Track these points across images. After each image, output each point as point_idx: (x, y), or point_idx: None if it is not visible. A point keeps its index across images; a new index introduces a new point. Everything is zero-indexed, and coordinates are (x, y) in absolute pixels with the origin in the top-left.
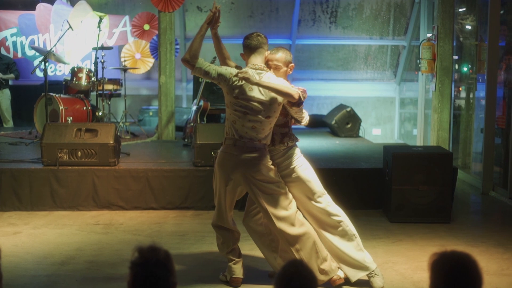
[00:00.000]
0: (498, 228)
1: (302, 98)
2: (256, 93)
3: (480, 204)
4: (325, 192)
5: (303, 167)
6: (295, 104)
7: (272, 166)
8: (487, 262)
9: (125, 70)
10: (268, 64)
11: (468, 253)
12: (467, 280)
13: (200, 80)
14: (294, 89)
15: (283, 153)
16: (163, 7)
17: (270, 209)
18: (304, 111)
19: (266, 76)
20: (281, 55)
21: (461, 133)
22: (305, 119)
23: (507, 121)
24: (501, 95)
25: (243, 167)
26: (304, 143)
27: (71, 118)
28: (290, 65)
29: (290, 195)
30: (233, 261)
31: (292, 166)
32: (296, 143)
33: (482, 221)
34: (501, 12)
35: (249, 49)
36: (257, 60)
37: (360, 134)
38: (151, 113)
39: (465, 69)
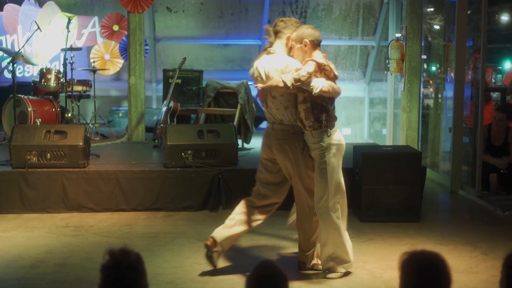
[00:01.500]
0: (466, 227)
1: (298, 78)
2: None
3: (448, 203)
4: None
5: None
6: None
7: None
8: (456, 260)
9: (94, 71)
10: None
11: (437, 252)
12: (436, 279)
13: (170, 81)
14: (286, 75)
15: None
16: (132, 7)
17: None
18: (314, 82)
19: (262, 58)
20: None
21: (429, 133)
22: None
23: (475, 120)
24: (469, 95)
25: None
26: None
27: (40, 119)
28: (304, 41)
29: None
30: None
31: None
32: None
33: (451, 220)
34: (469, 12)
35: (274, 34)
36: (277, 44)
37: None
38: (120, 114)
39: (433, 68)
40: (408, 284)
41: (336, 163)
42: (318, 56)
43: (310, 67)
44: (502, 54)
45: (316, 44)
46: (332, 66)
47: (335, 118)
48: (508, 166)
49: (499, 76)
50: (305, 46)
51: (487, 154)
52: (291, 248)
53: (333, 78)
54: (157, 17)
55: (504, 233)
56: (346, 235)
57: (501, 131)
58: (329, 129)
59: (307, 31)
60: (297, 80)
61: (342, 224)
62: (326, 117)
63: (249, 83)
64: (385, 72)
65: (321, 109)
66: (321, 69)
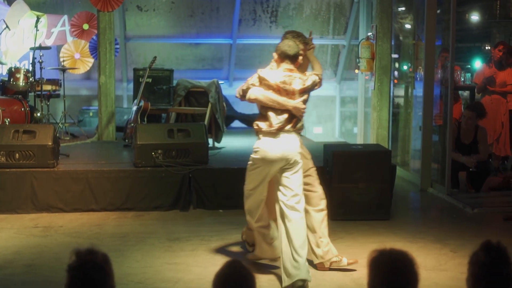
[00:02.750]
0: (436, 224)
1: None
2: None
3: (418, 201)
4: None
5: None
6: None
7: None
8: (425, 257)
9: (64, 70)
10: None
11: (405, 251)
12: (403, 277)
13: (140, 80)
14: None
15: None
16: (102, 6)
17: None
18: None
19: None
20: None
21: (400, 131)
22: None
23: (444, 118)
24: (438, 93)
25: None
26: (245, 142)
27: (8, 119)
28: (273, 54)
29: None
30: None
31: None
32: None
33: (421, 217)
34: (438, 11)
35: None
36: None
37: (302, 133)
38: (91, 114)
39: (404, 67)
40: (376, 282)
41: (249, 168)
42: (272, 68)
43: (252, 78)
44: (472, 53)
45: (282, 57)
46: (282, 79)
47: (269, 126)
48: (477, 164)
49: (468, 74)
50: (275, 58)
51: (457, 152)
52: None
53: (276, 89)
54: (128, 15)
55: (473, 230)
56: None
57: (471, 130)
58: (259, 135)
59: (278, 45)
60: (238, 91)
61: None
62: (257, 124)
63: (220, 82)
64: (356, 71)
65: (258, 116)
66: (260, 80)
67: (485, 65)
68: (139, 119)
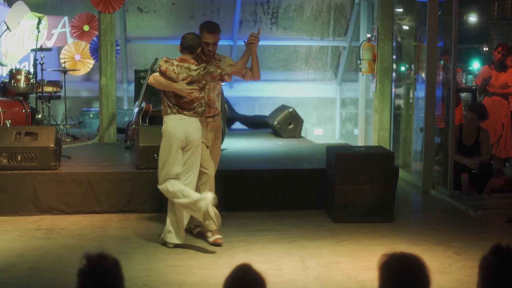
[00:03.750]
0: (439, 226)
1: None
2: None
3: (421, 203)
4: None
5: None
6: None
7: None
8: (429, 260)
9: (64, 71)
10: None
11: (416, 255)
12: (415, 282)
13: (141, 81)
14: None
15: None
16: (103, 7)
17: None
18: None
19: None
20: None
21: (401, 133)
22: None
23: (446, 120)
24: (440, 95)
25: None
26: (247, 144)
27: (9, 121)
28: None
29: None
30: None
31: None
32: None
33: (424, 220)
34: (439, 13)
35: None
36: None
37: (302, 134)
38: (91, 115)
39: (404, 69)
40: (387, 286)
41: (163, 147)
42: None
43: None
44: (470, 54)
45: (181, 48)
46: (171, 67)
47: (173, 108)
48: (480, 166)
49: (470, 76)
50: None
51: (459, 154)
52: (268, 254)
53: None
54: (128, 17)
55: (476, 232)
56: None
57: (472, 131)
58: (165, 117)
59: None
60: None
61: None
62: (162, 107)
63: (221, 84)
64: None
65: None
66: (159, 67)
67: (487, 66)
68: (140, 121)
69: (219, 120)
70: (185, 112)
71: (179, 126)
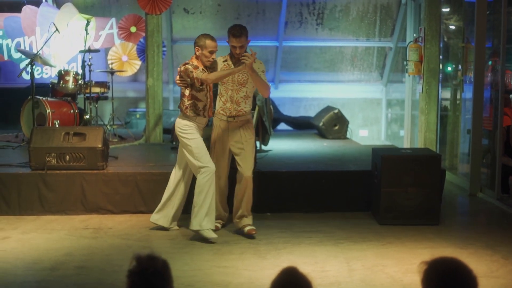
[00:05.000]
0: (486, 230)
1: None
2: None
3: (467, 206)
4: None
5: None
6: None
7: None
8: (476, 264)
9: (112, 72)
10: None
11: (457, 258)
12: (462, 286)
13: None
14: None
15: None
16: (150, 9)
17: None
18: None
19: None
20: None
21: (448, 135)
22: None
23: (494, 122)
24: (488, 97)
25: None
26: (292, 145)
27: (58, 121)
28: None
29: None
30: None
31: None
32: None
33: (470, 223)
34: (487, 12)
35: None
36: None
37: (348, 135)
38: (138, 116)
39: (451, 70)
40: None
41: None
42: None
43: None
44: None
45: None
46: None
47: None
48: None
49: None
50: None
51: (506, 156)
52: (313, 256)
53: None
54: (175, 18)
55: None
56: None
57: None
58: None
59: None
60: None
61: None
62: None
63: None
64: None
65: None
66: None
67: None
68: None
69: (245, 122)
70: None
71: None
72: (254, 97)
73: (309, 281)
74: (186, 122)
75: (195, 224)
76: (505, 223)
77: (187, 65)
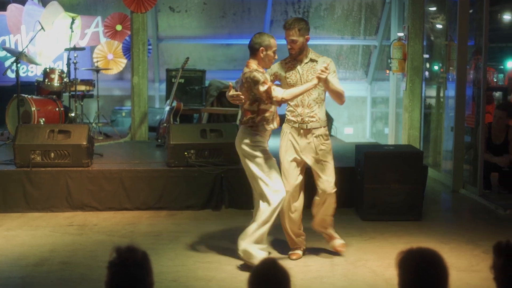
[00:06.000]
0: (468, 225)
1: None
2: None
3: (450, 202)
4: None
5: None
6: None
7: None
8: (458, 258)
9: (97, 70)
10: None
11: (433, 249)
12: (433, 275)
13: (172, 80)
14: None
15: None
16: (135, 7)
17: None
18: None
19: None
20: None
21: (431, 132)
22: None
23: (476, 119)
24: (471, 94)
25: None
26: (277, 142)
27: (43, 119)
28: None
29: None
30: None
31: None
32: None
33: (453, 219)
34: (470, 11)
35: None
36: None
37: (333, 133)
38: (123, 114)
39: (435, 68)
40: (407, 282)
41: None
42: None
43: None
44: (504, 54)
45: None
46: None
47: None
48: (510, 164)
49: (501, 75)
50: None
51: (488, 153)
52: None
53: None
54: (160, 16)
55: (505, 231)
56: None
57: (502, 129)
58: None
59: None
60: None
61: None
62: None
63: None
64: (387, 72)
65: None
66: None
67: None
68: (171, 119)
69: (318, 130)
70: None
71: None
72: None
73: (288, 273)
74: (256, 138)
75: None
76: (486, 219)
77: (254, 73)
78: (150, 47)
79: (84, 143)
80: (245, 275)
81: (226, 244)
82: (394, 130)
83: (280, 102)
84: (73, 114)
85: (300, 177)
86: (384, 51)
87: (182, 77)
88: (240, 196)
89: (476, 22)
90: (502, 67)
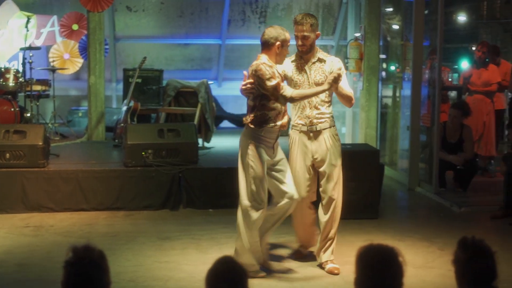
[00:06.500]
0: (423, 223)
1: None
2: None
3: (406, 200)
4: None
5: None
6: None
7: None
8: (414, 255)
9: (53, 70)
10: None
11: (390, 246)
12: (388, 271)
13: (130, 80)
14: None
15: None
16: (92, 7)
17: None
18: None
19: None
20: None
21: (388, 131)
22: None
23: (432, 119)
24: (426, 94)
25: None
26: (235, 142)
27: None
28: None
29: None
30: None
31: None
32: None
33: (409, 216)
34: (426, 12)
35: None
36: None
37: (289, 132)
38: (80, 114)
39: (392, 68)
40: (362, 277)
41: None
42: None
43: None
44: (459, 54)
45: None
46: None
47: None
48: (464, 162)
49: (456, 75)
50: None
51: (443, 151)
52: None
53: None
54: (117, 16)
55: (460, 229)
56: None
57: (456, 128)
58: None
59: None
60: None
61: None
62: None
63: (209, 82)
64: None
65: None
66: None
67: (474, 65)
68: (129, 119)
69: (328, 131)
70: None
71: None
72: (196, 95)
73: (245, 271)
74: (254, 139)
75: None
76: (441, 216)
77: (261, 66)
78: (107, 46)
79: (40, 144)
80: (203, 275)
81: (183, 244)
82: (351, 129)
83: (288, 101)
84: (28, 115)
85: (312, 183)
86: (341, 51)
87: (140, 76)
88: (198, 196)
89: (431, 23)
90: (457, 67)
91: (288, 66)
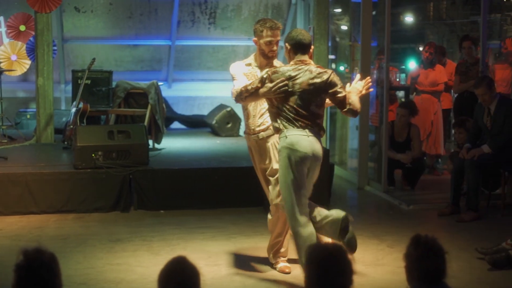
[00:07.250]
0: (373, 221)
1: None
2: None
3: (356, 199)
4: None
5: None
6: None
7: None
8: (364, 253)
9: (0, 72)
10: None
11: (338, 244)
12: (336, 268)
13: (79, 81)
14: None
15: None
16: (39, 7)
17: None
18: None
19: None
20: None
21: (337, 131)
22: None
23: (380, 118)
24: (374, 94)
25: None
26: (185, 143)
27: None
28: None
29: None
30: None
31: None
32: None
33: (358, 215)
34: (374, 13)
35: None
36: None
37: (241, 133)
38: (28, 116)
39: (341, 68)
40: (311, 276)
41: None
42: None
43: None
44: (406, 54)
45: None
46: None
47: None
48: (412, 160)
49: (403, 75)
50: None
51: (392, 150)
52: (206, 251)
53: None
54: (65, 17)
55: (408, 226)
56: None
57: (404, 127)
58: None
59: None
60: None
61: None
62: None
63: (159, 83)
64: None
65: None
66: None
67: (421, 66)
68: (78, 121)
69: (272, 137)
70: None
71: None
72: (146, 96)
73: (197, 270)
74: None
75: None
76: (391, 214)
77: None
78: (55, 48)
79: None
80: (155, 277)
81: (135, 246)
82: None
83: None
84: None
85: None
86: None
87: (89, 78)
88: (149, 198)
89: (378, 24)
90: (404, 67)
91: (243, 70)
